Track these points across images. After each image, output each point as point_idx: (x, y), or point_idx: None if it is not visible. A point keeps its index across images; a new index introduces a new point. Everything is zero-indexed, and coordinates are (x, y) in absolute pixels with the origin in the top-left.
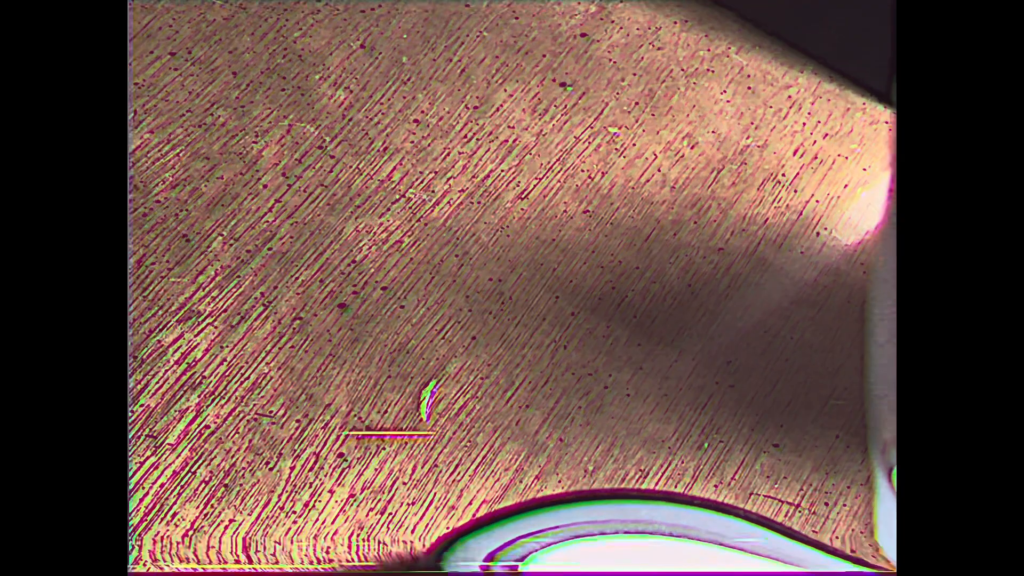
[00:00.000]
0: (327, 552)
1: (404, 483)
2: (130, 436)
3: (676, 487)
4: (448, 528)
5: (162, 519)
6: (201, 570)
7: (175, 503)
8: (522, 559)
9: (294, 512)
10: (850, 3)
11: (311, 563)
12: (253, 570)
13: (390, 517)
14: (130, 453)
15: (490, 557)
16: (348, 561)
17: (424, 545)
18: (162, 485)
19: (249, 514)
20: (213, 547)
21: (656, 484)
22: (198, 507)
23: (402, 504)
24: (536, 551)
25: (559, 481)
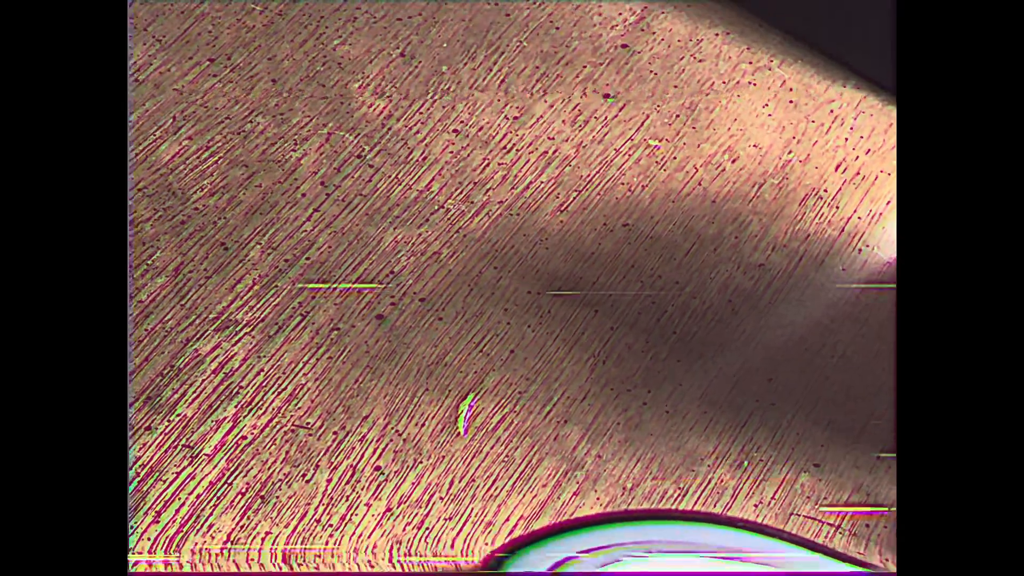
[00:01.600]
0: (369, 566)
1: (441, 498)
2: (165, 447)
3: (715, 506)
4: (487, 544)
5: (198, 530)
6: (201, 570)
7: (211, 514)
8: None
9: (331, 525)
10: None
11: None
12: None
13: (427, 532)
14: (165, 464)
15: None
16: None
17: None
18: (198, 496)
19: (285, 526)
20: (253, 559)
21: (695, 503)
22: (234, 519)
23: (439, 519)
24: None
25: (597, 498)
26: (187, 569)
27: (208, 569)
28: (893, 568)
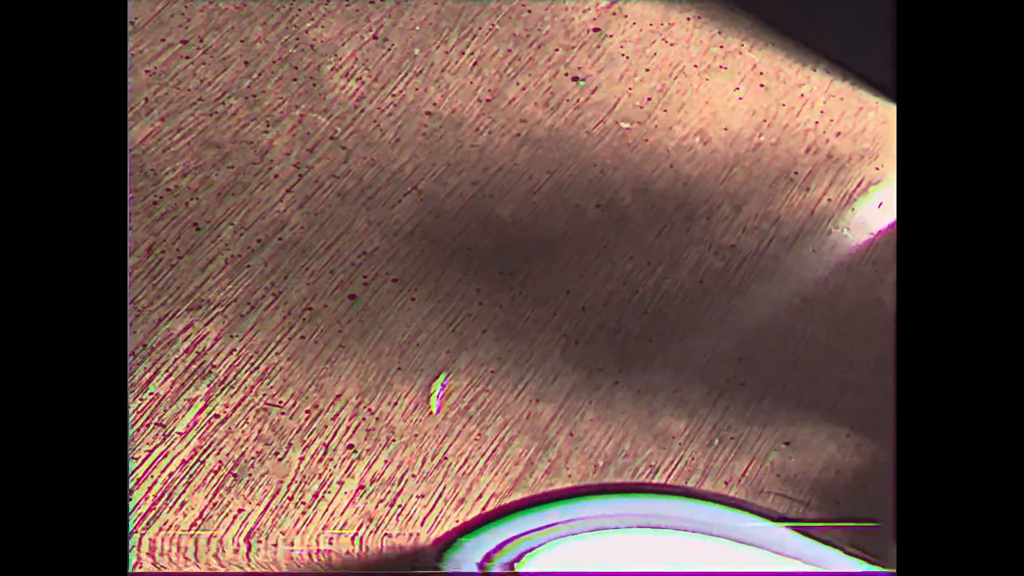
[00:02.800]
0: (331, 543)
1: (413, 475)
2: (138, 425)
3: (687, 483)
4: (457, 522)
5: (170, 508)
6: (200, 570)
7: (184, 492)
8: (518, 559)
9: (303, 503)
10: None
11: (314, 554)
12: (254, 570)
13: (400, 509)
14: (137, 442)
15: (487, 558)
16: (350, 554)
17: (428, 541)
18: (171, 474)
19: (258, 504)
20: (216, 536)
21: (667, 480)
22: (206, 496)
23: (411, 497)
24: (535, 548)
25: (569, 476)
26: (148, 551)
27: (175, 548)
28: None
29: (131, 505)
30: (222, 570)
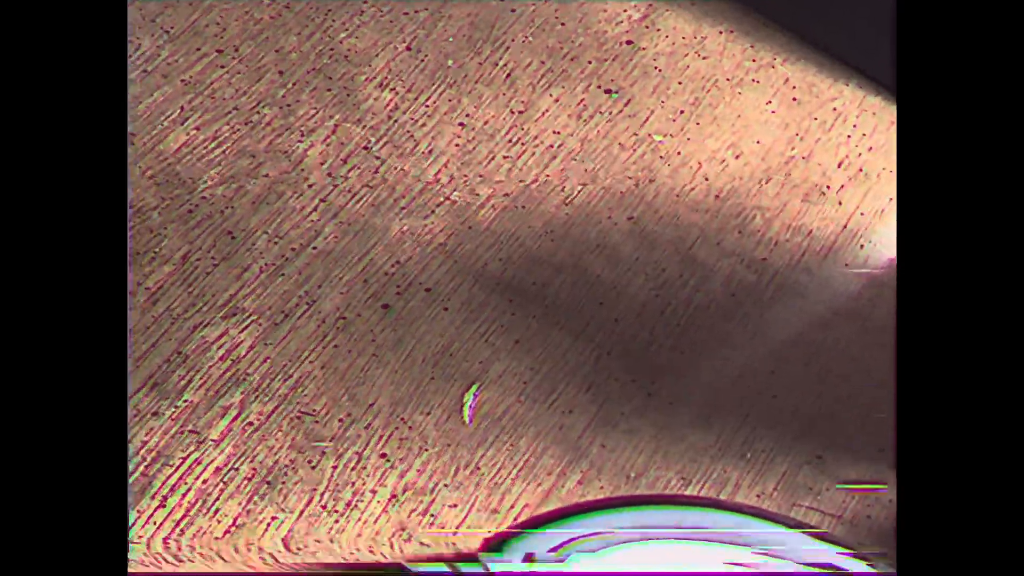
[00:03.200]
0: (370, 551)
1: (446, 485)
2: (172, 432)
3: (719, 496)
4: (490, 532)
5: (205, 514)
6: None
7: (217, 499)
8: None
9: (336, 511)
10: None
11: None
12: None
13: (432, 519)
14: (171, 449)
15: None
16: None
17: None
18: (205, 481)
19: (291, 512)
20: (252, 544)
21: (698, 492)
22: (240, 504)
23: (444, 506)
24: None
25: (601, 487)
26: (187, 553)
27: (212, 552)
28: (891, 561)
29: (165, 512)
30: (249, 570)
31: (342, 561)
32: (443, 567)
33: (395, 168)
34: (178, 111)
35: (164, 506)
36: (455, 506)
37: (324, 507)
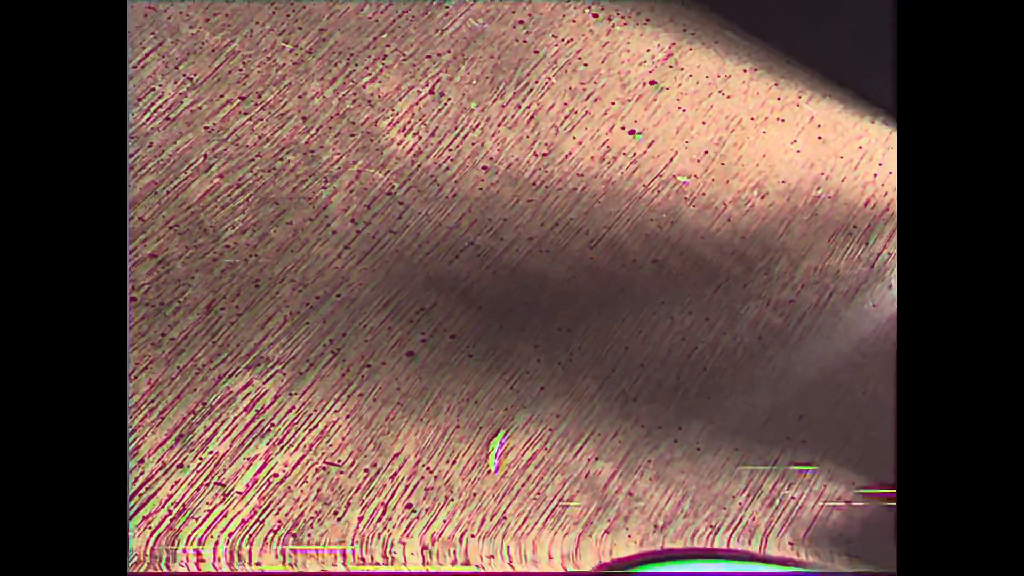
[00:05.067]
0: None
1: (473, 535)
2: (197, 484)
3: (749, 544)
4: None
5: (238, 565)
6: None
7: (246, 552)
8: None
9: (374, 563)
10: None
11: None
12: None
13: (477, 570)
14: (196, 502)
15: None
16: None
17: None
18: (231, 534)
19: (320, 563)
20: None
21: (728, 541)
22: (275, 556)
23: (481, 557)
24: None
25: (629, 536)
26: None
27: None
28: None
29: (193, 565)
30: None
31: None
32: None
33: (419, 213)
34: (201, 159)
35: (203, 559)
36: (492, 557)
37: (363, 559)
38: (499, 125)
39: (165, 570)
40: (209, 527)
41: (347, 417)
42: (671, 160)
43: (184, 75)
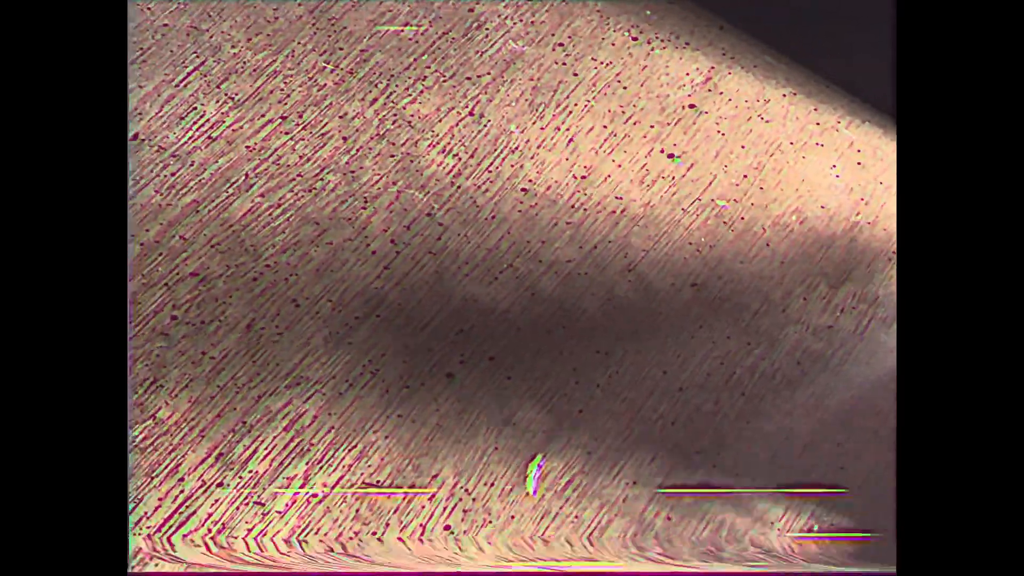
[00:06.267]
0: None
1: (509, 560)
2: (237, 504)
3: (787, 569)
4: None
5: None
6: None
7: (285, 570)
8: None
9: None
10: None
11: None
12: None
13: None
14: (236, 521)
15: None
16: None
17: None
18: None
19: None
20: None
21: (768, 565)
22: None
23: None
24: None
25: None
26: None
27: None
28: None
29: None
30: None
31: None
32: None
33: (458, 235)
34: (243, 178)
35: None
36: None
37: None
38: (538, 147)
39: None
40: (248, 547)
41: (386, 438)
42: (710, 184)
43: (226, 94)
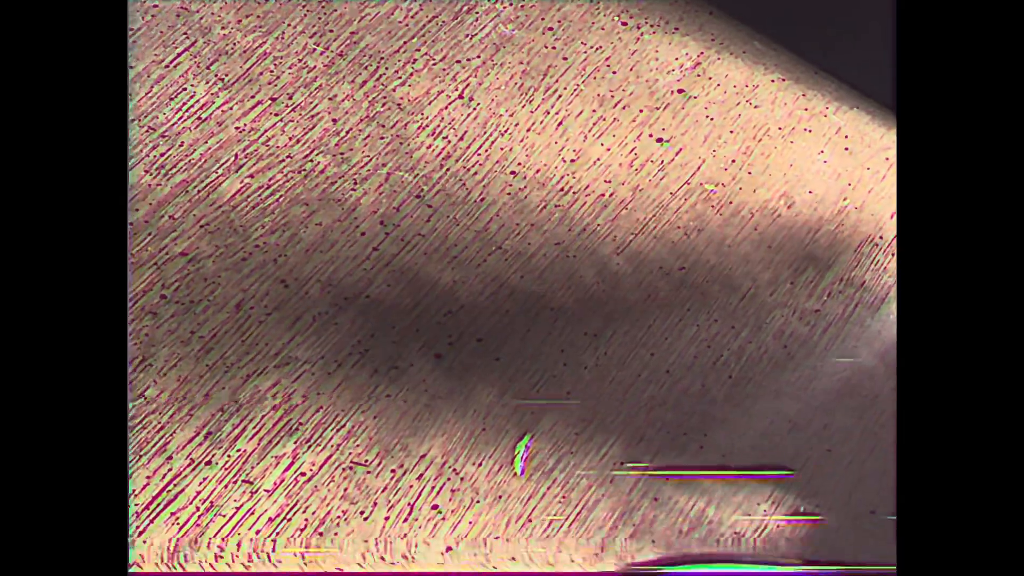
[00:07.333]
0: None
1: (497, 538)
2: (225, 481)
3: (774, 551)
4: None
5: (261, 564)
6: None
7: (272, 550)
8: None
9: (392, 563)
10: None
11: None
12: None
13: (494, 569)
14: (224, 499)
15: None
16: None
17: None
18: (258, 531)
19: (345, 564)
20: None
21: (752, 547)
22: (294, 555)
23: (502, 559)
24: None
25: (653, 541)
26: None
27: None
28: None
29: (224, 562)
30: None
31: None
32: None
33: (447, 216)
34: (232, 159)
35: (222, 557)
36: (514, 559)
37: (383, 559)
38: (528, 130)
39: (170, 569)
40: (236, 524)
41: (374, 417)
42: (698, 168)
43: (216, 76)
